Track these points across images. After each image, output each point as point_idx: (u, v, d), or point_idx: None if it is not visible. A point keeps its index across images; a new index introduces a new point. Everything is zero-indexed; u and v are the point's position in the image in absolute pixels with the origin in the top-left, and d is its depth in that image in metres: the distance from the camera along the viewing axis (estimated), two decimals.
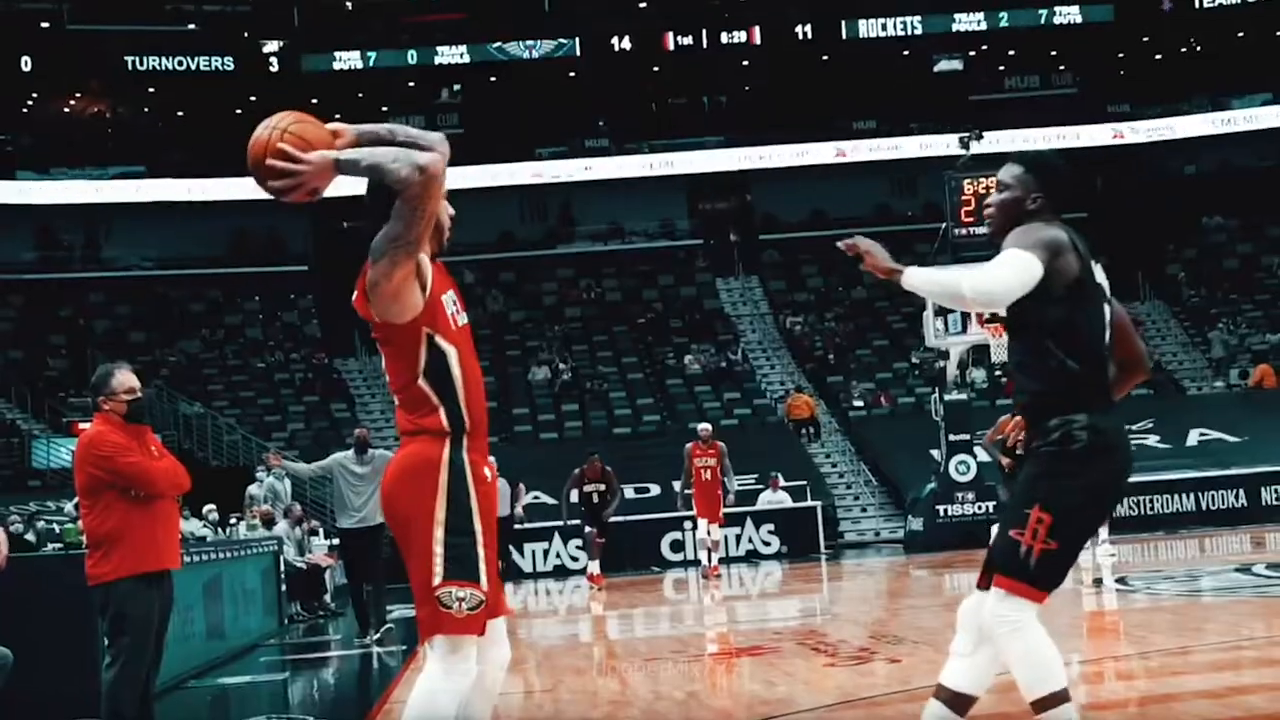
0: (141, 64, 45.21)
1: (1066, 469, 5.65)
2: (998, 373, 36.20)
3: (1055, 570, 5.65)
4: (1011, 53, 49.41)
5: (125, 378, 8.82)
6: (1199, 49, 49.23)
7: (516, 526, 27.37)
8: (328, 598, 22.52)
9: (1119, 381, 6.12)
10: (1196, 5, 47.33)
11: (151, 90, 47.02)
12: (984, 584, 5.88)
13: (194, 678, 14.02)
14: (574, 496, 23.73)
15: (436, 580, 5.56)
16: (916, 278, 5.81)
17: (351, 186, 5.80)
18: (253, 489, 25.16)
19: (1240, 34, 48.06)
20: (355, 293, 5.76)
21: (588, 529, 23.81)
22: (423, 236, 5.55)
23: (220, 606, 16.04)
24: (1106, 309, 5.88)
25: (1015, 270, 5.67)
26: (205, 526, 22.03)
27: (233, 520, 23.41)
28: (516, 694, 11.52)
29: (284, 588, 20.82)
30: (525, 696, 11.47)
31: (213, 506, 23.15)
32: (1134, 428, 29.26)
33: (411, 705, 5.65)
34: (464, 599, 5.58)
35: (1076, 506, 5.67)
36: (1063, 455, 5.67)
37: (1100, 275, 5.89)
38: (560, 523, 28.28)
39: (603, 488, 23.54)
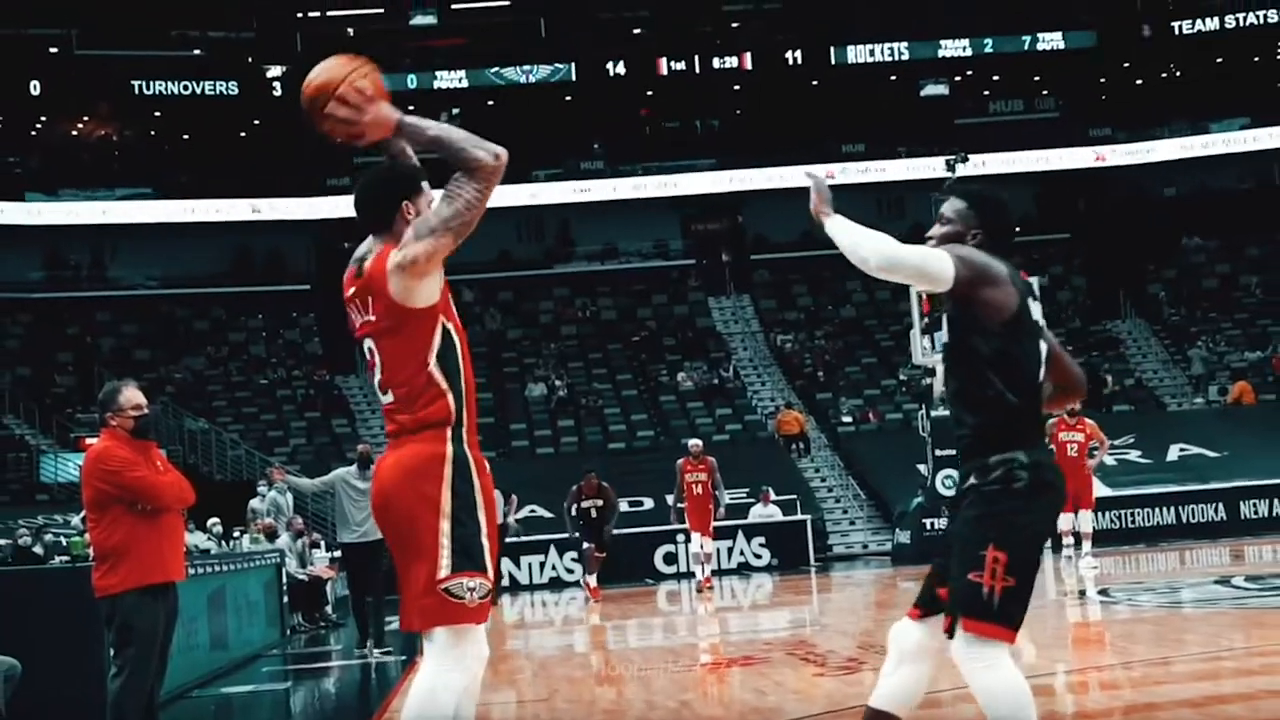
0: (148, 88, 45.23)
1: (1013, 507, 5.58)
2: None
3: (1017, 606, 5.58)
4: (996, 78, 49.53)
5: (132, 394, 8.83)
6: (1178, 74, 49.37)
7: (509, 539, 27.32)
8: (329, 609, 22.49)
9: (1056, 400, 6.09)
10: (1175, 32, 47.51)
11: (157, 114, 47.05)
12: (917, 613, 5.84)
13: (198, 687, 14.02)
14: (573, 512, 23.65)
15: (444, 573, 5.52)
16: (836, 225, 5.74)
17: (351, 208, 5.84)
18: (254, 503, 25.14)
19: (1218, 60, 48.21)
20: (356, 284, 5.76)
21: (585, 545, 23.78)
22: (474, 222, 5.57)
23: (224, 617, 16.03)
24: (1042, 345, 5.81)
25: (922, 257, 5.61)
26: (209, 539, 22.00)
27: (236, 533, 23.40)
28: (512, 703, 11.52)
29: (286, 599, 20.81)
30: (521, 706, 11.46)
31: (217, 520, 23.12)
32: (1116, 443, 29.31)
33: (412, 701, 5.59)
34: (474, 589, 5.57)
35: (1026, 542, 5.62)
36: (1007, 494, 5.59)
37: (1036, 311, 5.82)
38: (555, 536, 28.51)
39: (600, 503, 23.41)
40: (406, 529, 5.61)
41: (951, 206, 5.88)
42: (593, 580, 23.85)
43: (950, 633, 5.67)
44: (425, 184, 5.87)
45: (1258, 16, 46.78)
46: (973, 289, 5.61)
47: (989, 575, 5.51)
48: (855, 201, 48.11)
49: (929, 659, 5.81)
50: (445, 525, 5.56)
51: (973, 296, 5.63)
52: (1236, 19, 46.95)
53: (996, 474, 5.61)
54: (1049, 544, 23.34)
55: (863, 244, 5.66)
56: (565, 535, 25.45)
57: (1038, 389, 5.77)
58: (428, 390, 5.66)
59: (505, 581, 27.63)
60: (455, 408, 5.68)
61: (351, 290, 5.77)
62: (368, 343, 5.78)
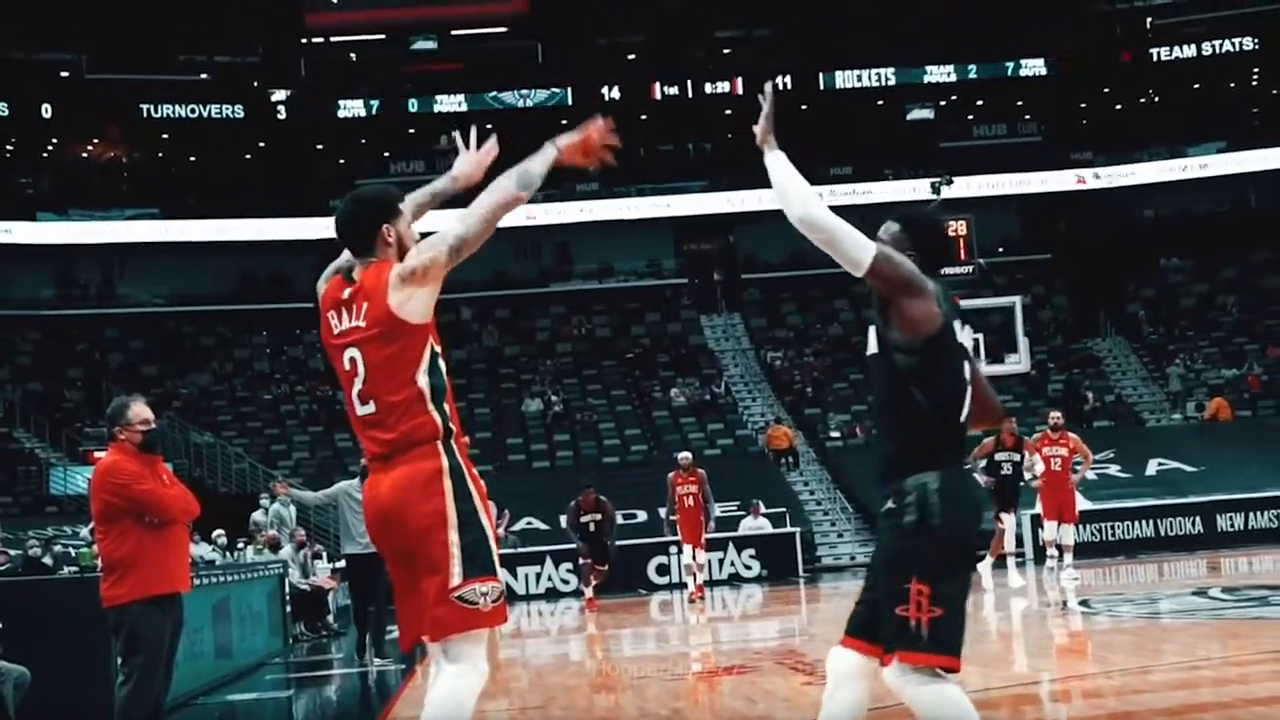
0: (156, 111, 45.30)
1: (930, 539, 5.48)
2: None
3: (949, 632, 5.48)
4: (980, 102, 49.61)
5: (140, 409, 8.82)
6: (1157, 100, 49.53)
7: (503, 551, 27.25)
8: (330, 618, 22.47)
9: (971, 422, 5.89)
10: (1154, 59, 47.63)
11: (165, 136, 47.08)
12: (853, 643, 5.77)
13: (203, 695, 14.00)
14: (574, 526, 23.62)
15: (456, 580, 5.51)
16: (775, 162, 5.77)
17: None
18: (257, 515, 25.13)
19: (1195, 85, 48.36)
20: (347, 287, 5.77)
21: (582, 560, 23.81)
22: (467, 250, 5.69)
23: (228, 627, 16.00)
24: (966, 367, 5.69)
25: (844, 231, 5.52)
26: (214, 550, 21.99)
27: (240, 545, 23.38)
28: (509, 711, 11.50)
29: (289, 609, 20.78)
30: (519, 713, 11.44)
31: (221, 531, 23.12)
32: (1097, 457, 29.20)
33: (435, 706, 5.57)
34: (487, 593, 5.56)
35: (948, 567, 5.51)
36: (923, 526, 5.48)
37: (965, 337, 5.71)
38: (551, 547, 28.67)
39: (599, 517, 23.27)
40: (414, 545, 5.59)
41: (887, 230, 5.81)
42: (589, 591, 23.85)
43: (853, 646, 5.65)
44: (404, 206, 5.91)
45: (1233, 44, 47.00)
46: (894, 293, 5.54)
47: (914, 608, 5.44)
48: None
49: (866, 678, 5.76)
50: (453, 535, 5.55)
51: (894, 302, 5.54)
52: (1213, 46, 47.13)
53: (910, 502, 5.51)
54: (1033, 556, 23.23)
55: (794, 192, 5.63)
56: (560, 547, 25.44)
57: (959, 409, 5.66)
58: (415, 404, 5.63)
59: None
60: (442, 421, 5.67)
61: (345, 294, 5.76)
62: (350, 352, 5.73)
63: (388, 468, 5.68)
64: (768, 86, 5.96)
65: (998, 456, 21.58)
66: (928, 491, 5.50)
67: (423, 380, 5.64)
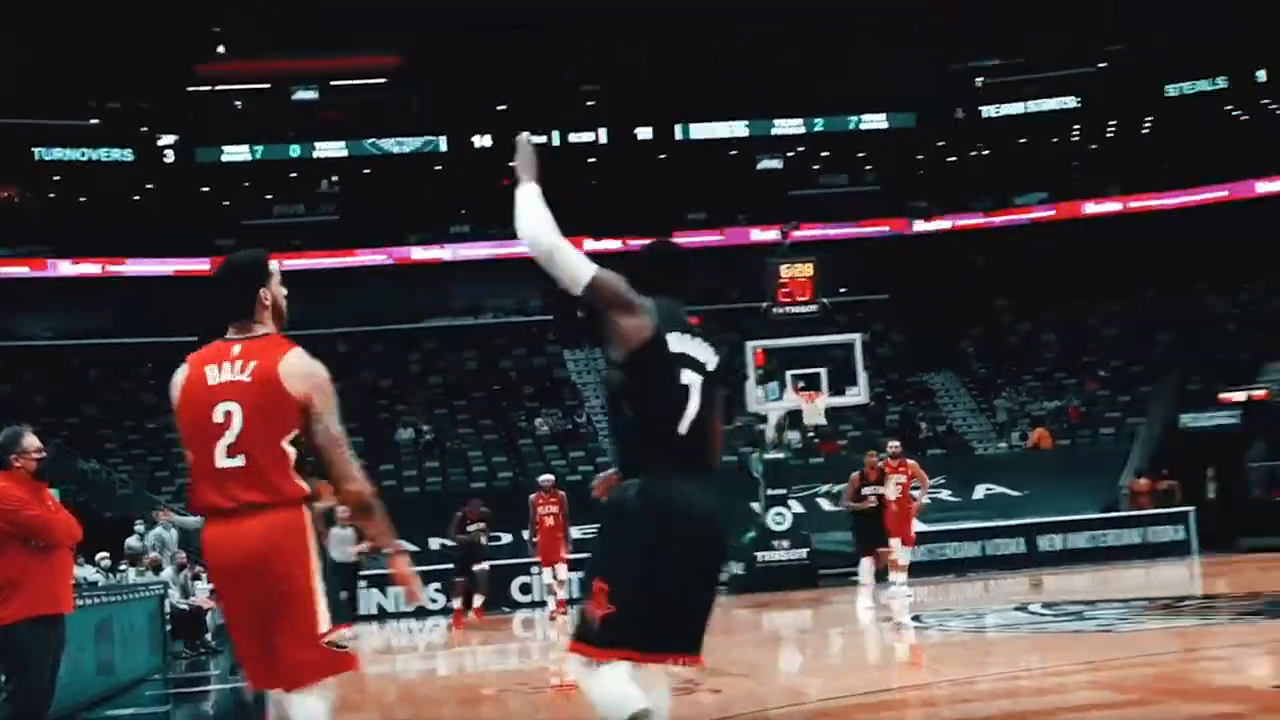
0: (48, 154, 44.68)
1: (615, 542, 5.54)
2: (810, 434, 36.50)
3: (620, 630, 5.43)
4: (825, 154, 50.16)
5: (33, 439, 8.73)
6: (986, 153, 50.35)
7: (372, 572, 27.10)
8: (208, 636, 22.14)
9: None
10: (983, 116, 48.55)
11: (57, 178, 46.41)
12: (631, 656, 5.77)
13: (84, 710, 13.73)
14: (457, 538, 23.98)
15: (325, 627, 5.46)
16: (524, 191, 5.83)
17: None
18: (131, 541, 24.83)
19: (1021, 140, 49.31)
20: (239, 344, 5.75)
21: (456, 579, 23.91)
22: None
23: (110, 645, 15.71)
24: (694, 379, 5.63)
25: (565, 253, 5.69)
26: (98, 572, 21.61)
27: (123, 567, 23.03)
28: None
29: (168, 628, 20.49)
30: None
31: (105, 554, 22.72)
32: (930, 482, 29.51)
33: None
34: (351, 638, 5.58)
35: (627, 570, 5.47)
36: (610, 530, 5.56)
37: (700, 351, 5.68)
38: (421, 568, 28.29)
39: (484, 525, 24.01)
40: (282, 592, 5.46)
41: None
42: (458, 603, 23.83)
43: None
44: (274, 267, 5.83)
45: (1057, 102, 48.15)
46: (608, 309, 5.63)
47: (595, 604, 5.47)
48: (698, 265, 48.39)
49: (662, 683, 5.75)
50: (319, 584, 5.49)
51: (609, 319, 5.61)
52: (1038, 105, 48.20)
53: (611, 506, 5.59)
54: (873, 575, 23.33)
55: (529, 216, 5.78)
56: (430, 567, 25.36)
57: (672, 419, 5.58)
58: (285, 464, 5.54)
59: (373, 610, 27.45)
60: (309, 484, 5.60)
61: (232, 350, 5.69)
62: (226, 405, 5.63)
63: (237, 520, 5.51)
64: (522, 136, 6.14)
65: (864, 491, 21.75)
66: (624, 498, 5.55)
67: (289, 447, 5.55)
